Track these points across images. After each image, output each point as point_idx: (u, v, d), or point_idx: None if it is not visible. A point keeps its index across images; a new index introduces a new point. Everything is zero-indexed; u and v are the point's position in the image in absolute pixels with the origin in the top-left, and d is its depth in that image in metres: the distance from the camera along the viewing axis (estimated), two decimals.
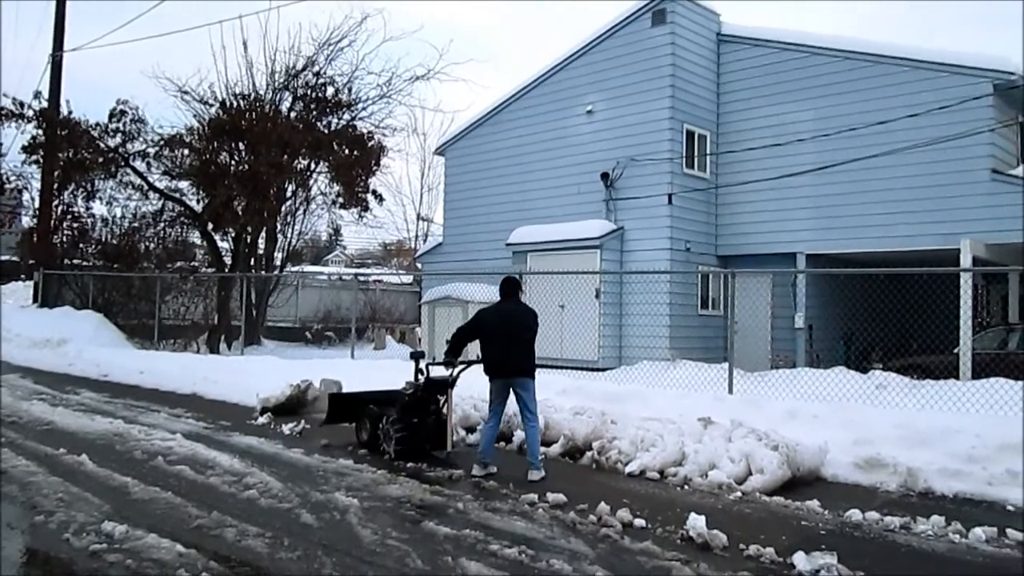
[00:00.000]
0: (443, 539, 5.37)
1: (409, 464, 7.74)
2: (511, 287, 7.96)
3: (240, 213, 21.14)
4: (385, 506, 6.18)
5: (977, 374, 12.36)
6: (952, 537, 5.68)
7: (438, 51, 62.43)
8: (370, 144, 22.97)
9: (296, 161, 22.48)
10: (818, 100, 16.68)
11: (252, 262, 23.05)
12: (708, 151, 18.07)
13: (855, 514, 6.15)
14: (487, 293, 17.90)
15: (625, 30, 18.15)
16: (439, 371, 8.13)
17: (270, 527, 5.51)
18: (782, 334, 17.10)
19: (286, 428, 9.58)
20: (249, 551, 5.04)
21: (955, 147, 14.84)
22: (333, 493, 6.44)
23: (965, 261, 14.25)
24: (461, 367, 7.98)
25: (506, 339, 7.53)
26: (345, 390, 10.02)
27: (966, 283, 13.27)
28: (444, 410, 8.14)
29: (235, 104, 21.99)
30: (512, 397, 7.67)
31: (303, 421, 9.82)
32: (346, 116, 23.16)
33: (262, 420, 10.13)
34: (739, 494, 6.84)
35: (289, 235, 26.14)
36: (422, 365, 8.23)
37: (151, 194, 23.00)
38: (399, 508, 6.16)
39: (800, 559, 4.96)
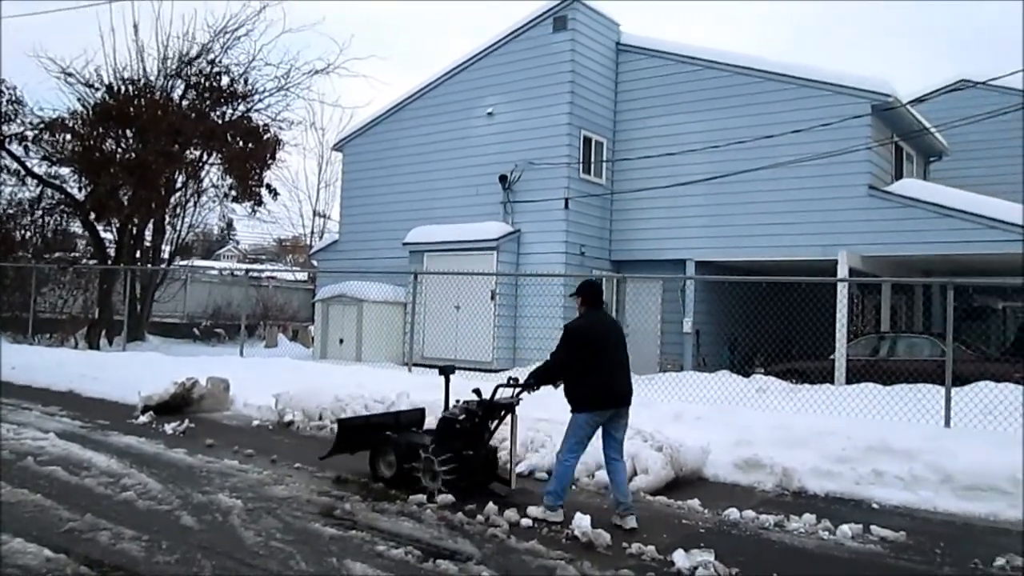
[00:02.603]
0: (329, 540, 5.31)
1: (462, 506, 6.28)
2: (600, 293, 6.53)
3: (126, 203, 20.33)
4: (270, 507, 6.06)
5: (850, 379, 13.04)
6: (821, 534, 5.98)
7: (339, 45, 60.62)
8: (266, 137, 22.46)
9: (188, 151, 21.81)
10: (709, 112, 17.21)
11: (138, 254, 22.21)
12: (604, 158, 18.41)
13: (733, 512, 6.39)
14: (382, 292, 17.80)
15: (527, 34, 18.32)
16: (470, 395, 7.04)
17: (147, 530, 5.32)
18: (671, 338, 17.57)
19: (169, 427, 9.28)
20: (124, 555, 4.86)
21: (835, 163, 15.57)
22: (216, 494, 6.28)
23: (842, 272, 14.96)
24: (523, 388, 6.70)
25: (611, 360, 6.20)
26: (356, 414, 8.55)
27: (842, 293, 13.95)
28: (497, 438, 7.13)
29: (123, 89, 21.12)
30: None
31: (187, 420, 9.52)
32: (241, 107, 22.54)
33: (144, 419, 9.79)
34: None
35: (179, 227, 25.19)
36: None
37: (28, 180, 21.83)
38: (284, 509, 6.05)
39: (679, 556, 5.13)
